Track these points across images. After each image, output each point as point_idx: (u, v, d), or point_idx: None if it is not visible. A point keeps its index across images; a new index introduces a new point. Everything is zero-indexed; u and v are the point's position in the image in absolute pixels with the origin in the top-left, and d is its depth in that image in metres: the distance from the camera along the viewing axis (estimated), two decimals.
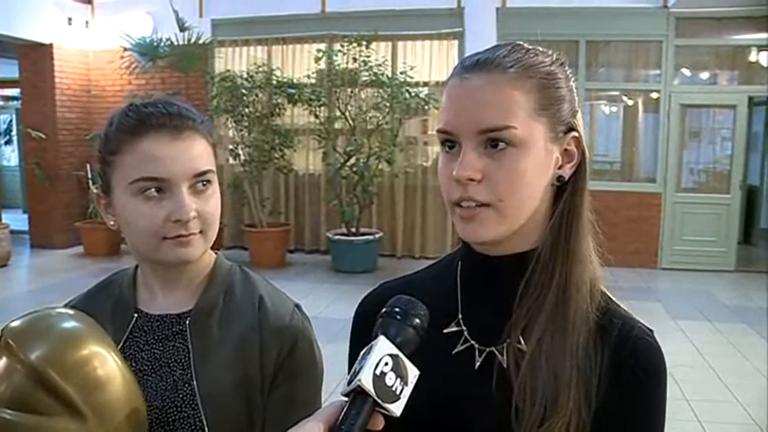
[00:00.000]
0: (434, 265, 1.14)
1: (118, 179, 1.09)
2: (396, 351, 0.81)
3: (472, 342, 1.00)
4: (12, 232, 9.12)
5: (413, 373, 0.82)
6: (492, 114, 0.90)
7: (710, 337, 6.01)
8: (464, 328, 1.01)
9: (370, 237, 8.60)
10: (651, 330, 0.97)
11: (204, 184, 1.10)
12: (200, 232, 1.10)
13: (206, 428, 1.07)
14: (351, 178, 8.48)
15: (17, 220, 10.57)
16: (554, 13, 8.55)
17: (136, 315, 1.17)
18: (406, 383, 0.80)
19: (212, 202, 1.11)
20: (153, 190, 1.07)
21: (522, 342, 0.94)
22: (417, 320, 0.86)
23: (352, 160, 8.38)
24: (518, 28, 8.49)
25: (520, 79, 0.91)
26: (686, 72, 8.93)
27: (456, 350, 1.00)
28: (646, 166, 9.19)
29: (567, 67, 0.99)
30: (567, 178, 0.97)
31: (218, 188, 1.16)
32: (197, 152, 1.10)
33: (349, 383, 0.79)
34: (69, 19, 9.75)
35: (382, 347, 0.81)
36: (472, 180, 0.90)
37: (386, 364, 0.79)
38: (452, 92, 0.94)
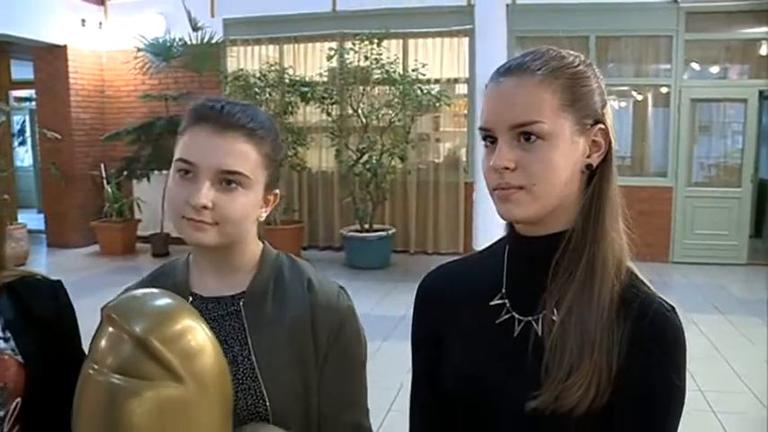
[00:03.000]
0: (489, 248, 1.25)
1: (174, 156, 1.20)
2: None
3: (513, 313, 1.12)
4: (28, 232, 9.24)
5: None
6: (523, 112, 1.02)
7: (723, 329, 6.06)
8: (506, 300, 1.13)
9: (384, 233, 8.68)
10: (672, 307, 1.06)
11: (231, 184, 1.16)
12: (216, 224, 1.16)
13: (266, 399, 1.16)
14: (364, 175, 8.56)
15: (32, 219, 10.69)
16: (564, 9, 8.61)
17: (191, 298, 1.24)
18: None
19: (236, 203, 1.16)
20: (183, 171, 1.16)
21: (556, 313, 1.05)
22: None
23: (365, 157, 8.47)
24: (528, 24, 8.57)
25: (546, 80, 1.03)
26: (696, 66, 8.97)
27: (499, 320, 1.12)
28: (656, 160, 9.22)
29: (594, 67, 1.10)
30: (595, 166, 1.08)
31: (256, 195, 1.21)
32: (234, 152, 1.16)
33: None
34: (83, 20, 9.85)
35: None
36: (507, 168, 1.02)
37: None
38: (489, 94, 1.07)
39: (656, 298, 1.06)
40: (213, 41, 9.27)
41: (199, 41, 9.17)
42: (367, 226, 8.67)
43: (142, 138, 9.29)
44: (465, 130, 9.42)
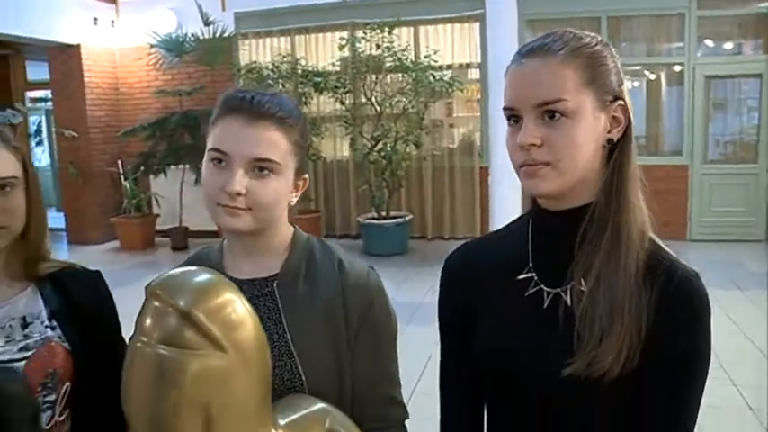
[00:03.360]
0: (509, 225, 1.30)
1: (207, 146, 1.24)
2: None
3: (541, 285, 1.16)
4: (49, 230, 9.35)
5: None
6: (546, 90, 1.06)
7: (742, 304, 6.07)
8: (534, 274, 1.17)
9: (401, 219, 8.73)
10: (696, 273, 1.09)
11: (263, 171, 1.21)
12: (250, 209, 1.20)
13: (302, 375, 1.20)
14: (379, 163, 8.60)
15: (51, 218, 10.76)
16: None
17: None
18: None
19: (268, 189, 1.21)
20: (217, 160, 1.21)
21: (584, 283, 1.09)
22: None
23: (380, 145, 8.51)
24: (538, 7, 8.55)
25: (567, 59, 1.07)
26: (709, 43, 8.92)
27: (528, 293, 1.17)
28: (671, 139, 9.19)
29: (610, 47, 1.14)
30: (615, 141, 1.12)
31: (287, 181, 1.25)
32: (265, 141, 1.21)
33: None
34: (95, 19, 9.94)
35: None
36: (533, 145, 1.06)
37: None
38: (513, 75, 1.11)
39: (680, 264, 1.10)
40: (225, 35, 9.34)
41: (211, 36, 9.23)
42: (384, 213, 8.72)
43: (157, 133, 9.38)
44: (478, 114, 9.43)
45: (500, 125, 1.15)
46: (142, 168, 9.56)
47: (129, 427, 0.95)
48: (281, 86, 8.73)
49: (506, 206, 6.46)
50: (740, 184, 8.72)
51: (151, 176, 9.77)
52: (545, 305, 1.14)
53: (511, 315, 1.17)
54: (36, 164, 13.52)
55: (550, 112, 1.06)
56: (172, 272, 0.98)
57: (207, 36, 9.23)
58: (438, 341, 1.33)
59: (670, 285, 1.06)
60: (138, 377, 0.91)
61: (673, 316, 1.05)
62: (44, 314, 1.36)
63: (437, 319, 1.34)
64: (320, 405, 1.11)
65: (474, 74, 9.37)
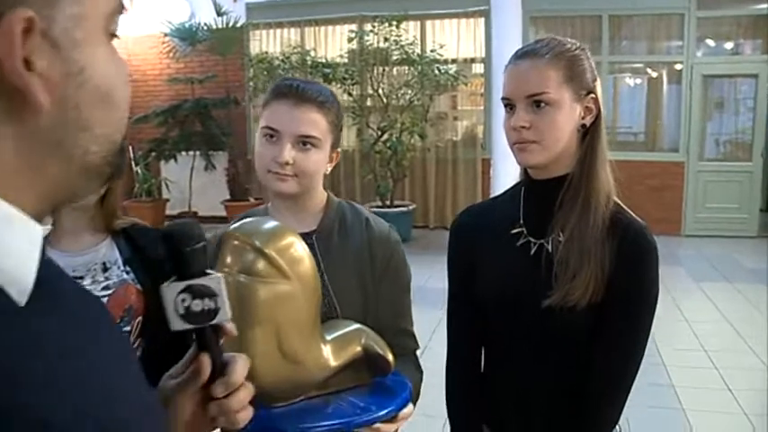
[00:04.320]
0: (507, 191, 1.63)
1: (260, 124, 1.53)
2: (183, 285, 0.85)
3: (529, 237, 1.50)
4: None
5: (215, 280, 0.85)
6: (534, 85, 1.40)
7: (731, 296, 6.31)
8: (524, 229, 1.51)
9: (404, 208, 8.99)
10: (646, 225, 1.44)
11: (306, 145, 1.49)
12: (296, 176, 1.48)
13: (338, 308, 1.49)
14: (384, 153, 8.85)
15: None
16: None
17: None
18: (214, 295, 0.84)
19: (311, 160, 1.49)
20: (269, 136, 1.49)
21: (561, 235, 1.43)
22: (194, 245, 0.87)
23: (386, 136, 8.75)
24: (542, 4, 8.75)
25: (551, 61, 1.41)
26: (709, 43, 9.14)
27: (519, 243, 1.50)
28: (669, 136, 9.42)
29: (587, 51, 1.49)
30: (588, 126, 1.46)
31: (325, 154, 1.52)
32: (309, 120, 1.49)
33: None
34: None
35: (168, 293, 0.85)
36: (524, 127, 1.40)
37: (183, 300, 0.84)
38: (509, 73, 1.46)
39: (635, 222, 1.44)
40: (237, 26, 9.57)
41: (223, 26, 9.46)
42: (388, 202, 8.97)
43: (170, 120, 9.63)
44: (482, 108, 9.68)
45: (503, 118, 1.47)
46: (153, 154, 9.80)
47: None
48: (291, 76, 8.93)
49: None
50: (735, 181, 8.96)
51: (162, 162, 10.01)
52: (531, 252, 1.47)
53: (506, 262, 1.50)
54: None
55: (537, 102, 1.40)
56: (245, 221, 1.24)
57: (219, 26, 9.46)
58: (439, 322, 1.64)
59: (627, 238, 1.39)
60: None
61: (629, 259, 1.38)
62: (119, 261, 1.65)
63: (439, 301, 1.67)
64: (357, 325, 1.39)
65: (478, 68, 9.62)
